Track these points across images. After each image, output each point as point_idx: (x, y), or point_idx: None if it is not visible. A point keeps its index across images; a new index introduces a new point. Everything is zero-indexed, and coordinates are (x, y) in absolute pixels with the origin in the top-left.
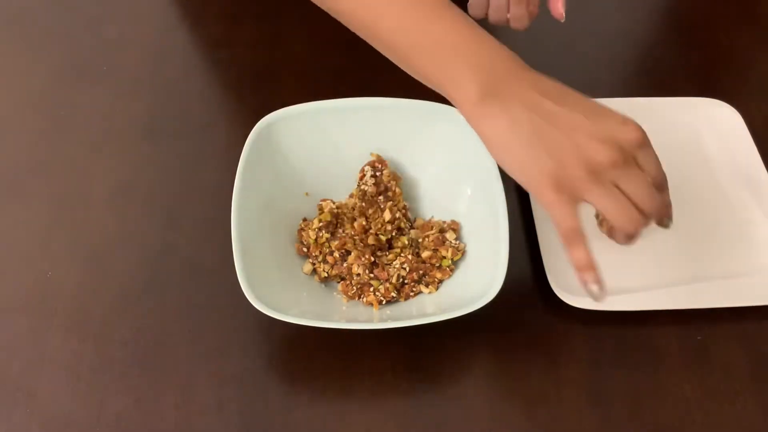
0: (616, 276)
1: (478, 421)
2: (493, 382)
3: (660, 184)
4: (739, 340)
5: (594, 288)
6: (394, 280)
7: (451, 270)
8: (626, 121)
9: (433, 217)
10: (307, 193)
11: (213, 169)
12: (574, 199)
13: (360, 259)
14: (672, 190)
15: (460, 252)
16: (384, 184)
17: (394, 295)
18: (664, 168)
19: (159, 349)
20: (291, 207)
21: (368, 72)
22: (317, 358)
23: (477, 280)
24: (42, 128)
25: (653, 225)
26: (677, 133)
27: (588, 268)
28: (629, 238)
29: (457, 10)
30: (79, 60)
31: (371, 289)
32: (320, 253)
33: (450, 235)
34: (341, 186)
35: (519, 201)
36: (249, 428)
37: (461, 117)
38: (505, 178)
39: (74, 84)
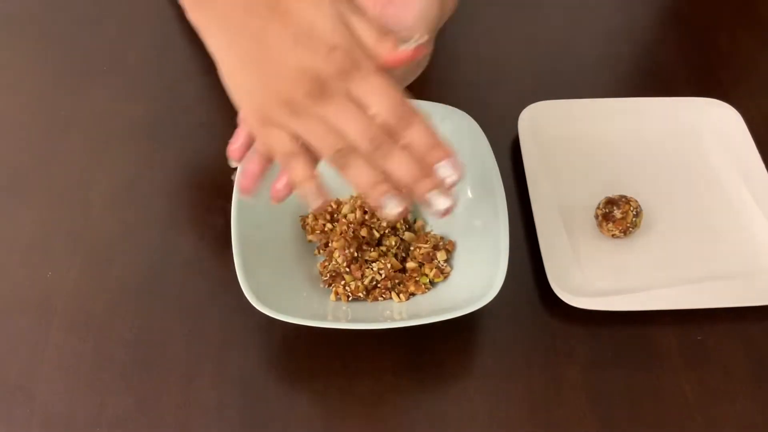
0: (616, 276)
1: (478, 421)
2: (493, 382)
3: (393, 117)
4: (739, 340)
5: (312, 200)
6: (366, 282)
7: (427, 288)
8: (335, 48)
9: (432, 230)
10: None
11: (213, 169)
12: (281, 128)
13: (344, 250)
14: (672, 190)
15: (443, 275)
16: None
17: (361, 295)
18: (664, 167)
19: (159, 348)
20: (291, 207)
21: None
22: (317, 358)
23: (477, 280)
24: (42, 128)
25: (651, 226)
26: (677, 133)
27: (305, 180)
28: (341, 165)
29: None
30: (79, 60)
31: (342, 282)
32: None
33: (441, 255)
34: (341, 185)
35: (519, 201)
36: (249, 428)
37: (461, 117)
38: (505, 177)
39: (74, 84)
